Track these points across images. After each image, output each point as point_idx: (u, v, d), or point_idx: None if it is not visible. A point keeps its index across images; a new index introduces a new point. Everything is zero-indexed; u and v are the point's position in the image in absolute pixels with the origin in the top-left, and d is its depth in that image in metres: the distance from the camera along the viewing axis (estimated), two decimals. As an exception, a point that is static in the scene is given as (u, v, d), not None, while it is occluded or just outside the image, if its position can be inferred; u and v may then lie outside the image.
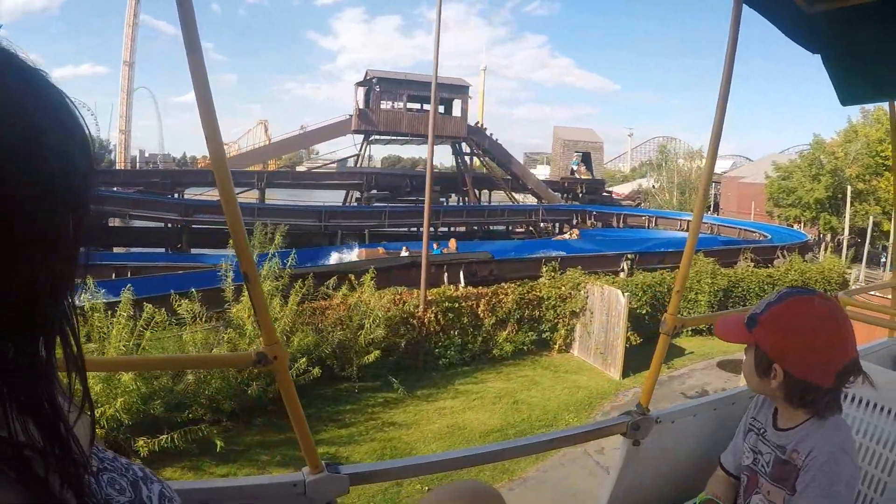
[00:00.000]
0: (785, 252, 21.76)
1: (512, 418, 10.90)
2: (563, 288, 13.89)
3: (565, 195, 39.75)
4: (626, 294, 12.93)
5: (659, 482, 2.05)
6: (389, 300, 12.14)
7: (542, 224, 32.42)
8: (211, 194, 30.50)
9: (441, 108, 35.06)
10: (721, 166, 46.75)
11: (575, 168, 42.25)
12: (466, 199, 35.20)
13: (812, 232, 33.24)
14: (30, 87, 0.50)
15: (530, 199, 37.47)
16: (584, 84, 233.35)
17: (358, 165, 34.67)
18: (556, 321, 13.98)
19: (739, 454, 1.69)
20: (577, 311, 13.85)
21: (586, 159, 43.02)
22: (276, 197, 35.98)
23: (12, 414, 0.47)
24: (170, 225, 25.18)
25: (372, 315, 11.41)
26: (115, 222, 25.12)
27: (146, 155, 67.45)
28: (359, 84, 33.60)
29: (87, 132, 0.54)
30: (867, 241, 23.21)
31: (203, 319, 10.40)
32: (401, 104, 33.10)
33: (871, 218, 24.03)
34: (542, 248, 22.09)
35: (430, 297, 12.88)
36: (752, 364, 1.51)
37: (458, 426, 10.47)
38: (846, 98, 2.50)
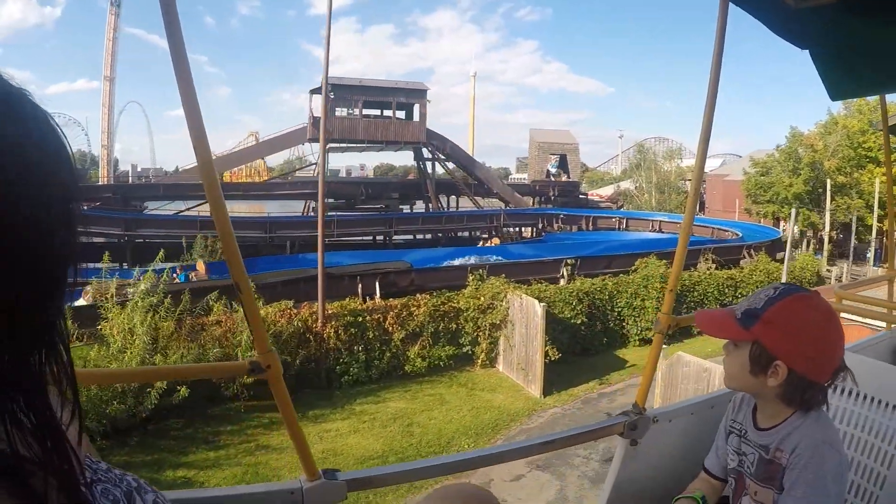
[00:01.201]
0: (752, 251, 20.50)
1: (399, 443, 9.98)
2: (482, 298, 12.87)
3: (538, 198, 38.69)
4: (542, 305, 11.87)
5: (658, 481, 2.01)
6: (275, 314, 11.29)
7: (506, 229, 31.38)
8: (170, 208, 30.10)
9: (402, 114, 34.39)
10: (711, 165, 45.44)
11: (553, 171, 41.07)
12: (430, 205, 34.24)
13: (784, 230, 31.92)
14: (11, 108, 0.50)
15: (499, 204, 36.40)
16: (577, 88, 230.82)
17: (315, 174, 34.01)
18: (476, 334, 12.96)
19: (723, 457, 1.67)
20: (498, 323, 12.83)
21: (562, 162, 41.87)
22: (264, 209, 35.55)
23: (11, 425, 0.48)
24: (125, 240, 24.54)
25: (246, 331, 10.59)
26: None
27: (139, 169, 67.17)
28: (313, 91, 32.56)
29: (70, 151, 0.54)
30: (816, 238, 21.83)
31: (74, 337, 10.06)
32: (356, 111, 32.28)
33: (814, 215, 22.65)
34: (474, 254, 20.92)
35: (330, 311, 11.95)
36: (746, 362, 1.45)
37: (336, 451, 9.70)
38: (835, 93, 2.53)
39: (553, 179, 39.99)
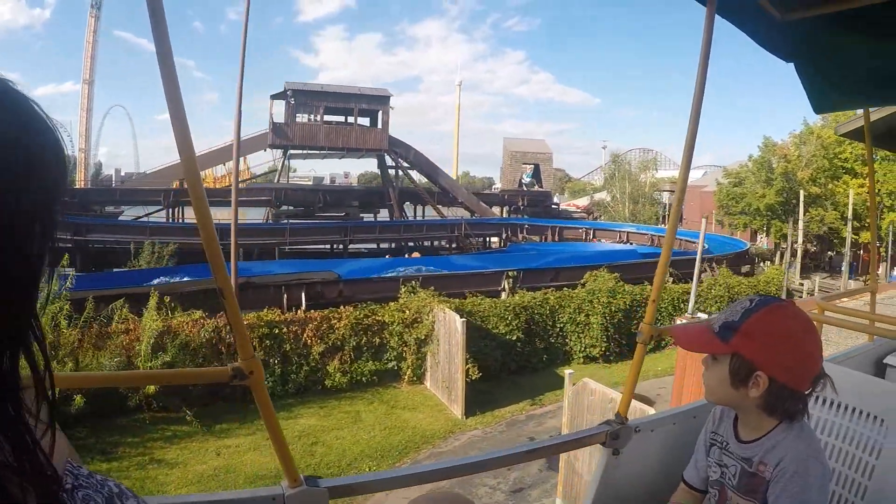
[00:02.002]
0: (713, 265, 19.99)
1: (297, 463, 9.34)
2: (408, 312, 12.36)
3: (507, 208, 38.24)
4: (462, 320, 11.35)
5: (639, 491, 1.99)
6: (186, 323, 10.85)
7: (469, 238, 30.82)
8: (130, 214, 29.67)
9: (366, 121, 34.02)
10: (692, 176, 44.91)
11: (526, 181, 40.59)
12: (394, 214, 33.71)
13: (761, 241, 31.45)
14: (10, 103, 0.49)
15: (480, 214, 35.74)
16: (565, 98, 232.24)
17: (277, 181, 33.54)
18: (401, 349, 12.44)
19: (702, 469, 1.67)
20: (424, 338, 12.30)
21: (536, 172, 41.41)
22: (244, 216, 35.17)
23: None
24: (73, 245, 24.00)
25: (145, 340, 10.16)
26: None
27: (122, 174, 66.82)
28: (274, 97, 32.05)
29: (61, 144, 0.53)
30: (790, 250, 21.27)
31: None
32: (317, 117, 31.65)
33: (787, 227, 22.06)
34: (406, 266, 20.35)
35: (245, 322, 11.42)
36: (727, 374, 1.45)
37: (228, 469, 9.27)
38: (819, 106, 2.62)
39: (525, 189, 39.47)
